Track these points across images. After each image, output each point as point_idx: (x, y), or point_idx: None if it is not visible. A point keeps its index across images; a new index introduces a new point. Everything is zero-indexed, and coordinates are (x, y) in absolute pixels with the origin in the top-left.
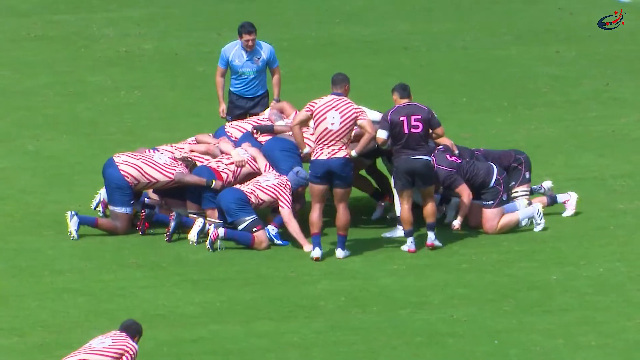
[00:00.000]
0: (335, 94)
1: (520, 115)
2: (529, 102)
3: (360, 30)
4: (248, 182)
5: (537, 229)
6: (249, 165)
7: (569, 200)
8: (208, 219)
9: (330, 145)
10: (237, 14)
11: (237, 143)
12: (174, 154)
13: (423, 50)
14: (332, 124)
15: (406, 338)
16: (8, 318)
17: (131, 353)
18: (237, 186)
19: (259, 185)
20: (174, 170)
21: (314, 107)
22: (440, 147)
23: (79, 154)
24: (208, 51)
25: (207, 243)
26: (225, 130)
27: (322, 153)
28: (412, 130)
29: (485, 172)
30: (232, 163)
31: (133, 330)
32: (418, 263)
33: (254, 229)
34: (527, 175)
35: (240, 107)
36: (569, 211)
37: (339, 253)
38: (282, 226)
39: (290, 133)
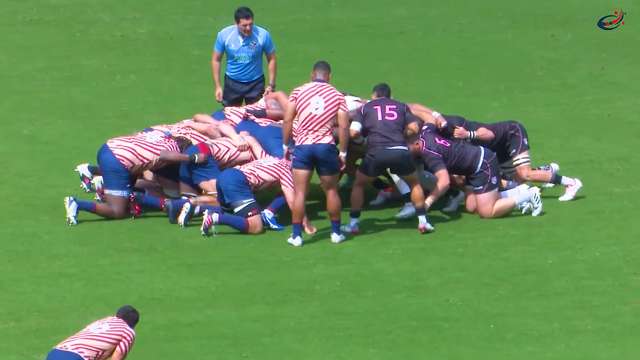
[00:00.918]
0: (317, 80)
1: (516, 99)
2: (525, 85)
3: (357, 14)
4: (248, 164)
5: (535, 213)
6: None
7: (572, 185)
8: (197, 199)
9: (315, 131)
10: None
11: (235, 129)
12: (170, 129)
13: (419, 34)
14: (316, 108)
15: (402, 322)
16: (4, 302)
17: (129, 339)
18: (237, 167)
19: (260, 165)
20: (163, 147)
21: (297, 93)
22: (426, 126)
23: (75, 138)
24: (203, 35)
25: (202, 229)
26: (226, 114)
27: (307, 138)
28: (387, 117)
29: (473, 155)
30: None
31: (132, 318)
32: (413, 247)
33: (249, 213)
34: (526, 142)
35: (236, 92)
36: (568, 196)
37: (335, 237)
38: (278, 211)
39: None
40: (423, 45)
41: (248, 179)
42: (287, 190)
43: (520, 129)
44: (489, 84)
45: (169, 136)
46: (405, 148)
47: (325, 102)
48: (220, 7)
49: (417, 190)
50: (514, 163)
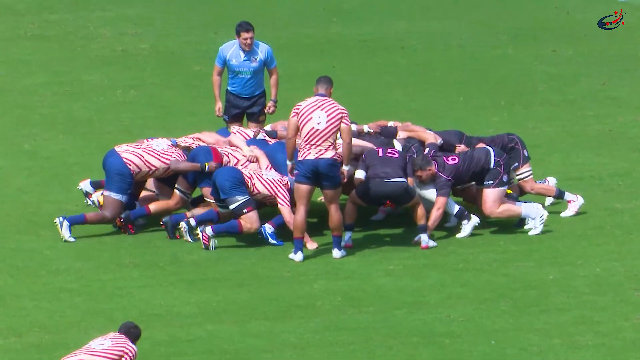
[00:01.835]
0: (319, 94)
1: (517, 114)
2: (526, 100)
3: (357, 29)
4: (250, 169)
5: (532, 232)
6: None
7: (575, 201)
8: (192, 212)
9: (318, 145)
10: (233, 13)
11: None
12: (175, 141)
13: (420, 49)
14: (318, 123)
15: (402, 338)
16: (5, 318)
17: (130, 355)
18: (238, 167)
19: (259, 175)
20: (170, 157)
21: (299, 109)
22: (429, 147)
23: (75, 153)
24: (205, 50)
25: (202, 246)
26: (232, 133)
27: (309, 153)
28: (388, 154)
29: (484, 157)
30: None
31: (134, 334)
32: (414, 263)
33: (245, 210)
34: (526, 153)
35: (237, 107)
36: (570, 212)
37: (336, 253)
38: (279, 227)
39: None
40: (424, 60)
41: (245, 181)
42: (284, 209)
43: (519, 141)
44: (490, 99)
45: (175, 145)
46: (404, 180)
47: (327, 116)
48: (221, 23)
49: (420, 210)
50: (517, 177)
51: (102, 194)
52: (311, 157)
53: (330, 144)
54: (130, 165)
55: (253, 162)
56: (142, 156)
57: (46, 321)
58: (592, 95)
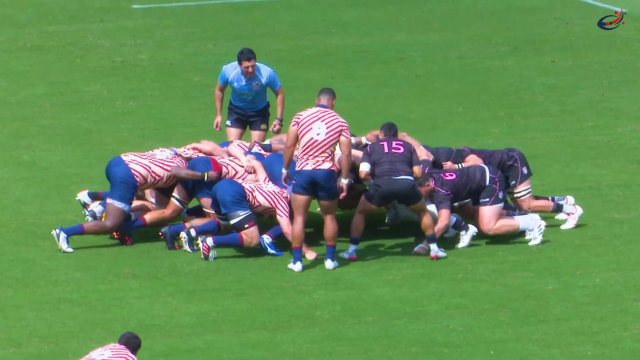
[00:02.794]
0: (320, 106)
1: (517, 125)
2: (525, 111)
3: (357, 40)
4: (249, 182)
5: (533, 243)
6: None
7: (574, 214)
8: (192, 222)
9: (316, 156)
10: (233, 24)
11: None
12: (175, 150)
13: (419, 60)
14: (317, 134)
15: (402, 348)
16: (4, 329)
17: None
18: (238, 181)
19: (259, 188)
20: (172, 164)
21: (299, 119)
22: (422, 164)
23: (74, 164)
24: (204, 61)
25: (202, 256)
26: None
27: (307, 164)
28: (394, 150)
29: (479, 175)
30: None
31: (133, 344)
32: (413, 273)
33: (246, 225)
34: (525, 171)
35: (242, 116)
36: (570, 224)
37: (329, 264)
38: (277, 237)
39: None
40: (423, 71)
41: (247, 194)
42: (282, 220)
43: (519, 158)
44: (489, 110)
45: (176, 154)
46: (411, 178)
47: (327, 127)
48: (220, 34)
49: (427, 219)
50: (515, 195)
51: (99, 204)
52: (308, 167)
53: (328, 155)
54: (137, 176)
55: (250, 172)
56: (149, 167)
57: (45, 331)
58: (591, 106)
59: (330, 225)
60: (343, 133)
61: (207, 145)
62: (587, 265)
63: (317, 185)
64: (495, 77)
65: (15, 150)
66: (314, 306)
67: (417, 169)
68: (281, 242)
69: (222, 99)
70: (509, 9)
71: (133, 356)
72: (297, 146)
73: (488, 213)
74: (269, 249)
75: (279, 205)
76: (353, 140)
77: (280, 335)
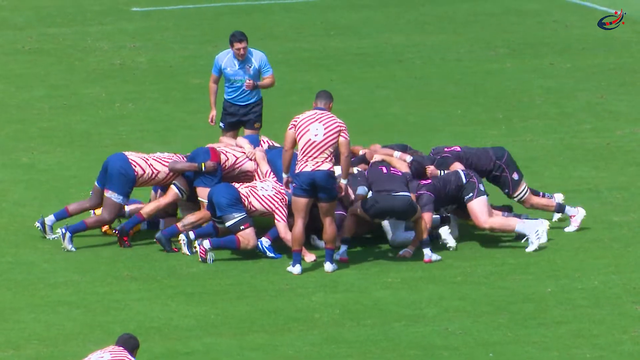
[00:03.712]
0: (318, 108)
1: (515, 127)
2: (524, 114)
3: (355, 42)
4: (246, 185)
5: (529, 249)
6: (255, 162)
7: (576, 216)
8: (185, 221)
9: (315, 158)
10: (232, 26)
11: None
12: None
13: (417, 63)
14: (315, 135)
15: (400, 351)
16: (3, 331)
17: None
18: (234, 184)
19: (255, 193)
20: (172, 159)
21: (296, 121)
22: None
23: (73, 167)
24: (203, 64)
25: (200, 259)
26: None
27: (306, 165)
28: (392, 171)
29: (454, 176)
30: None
31: (131, 345)
32: (412, 276)
33: (241, 227)
34: (516, 177)
35: (234, 115)
36: (572, 227)
37: (327, 267)
38: (275, 239)
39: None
40: (422, 73)
41: (242, 199)
42: (280, 225)
43: (506, 167)
44: (488, 113)
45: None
46: (409, 194)
47: (325, 129)
48: (219, 36)
49: (423, 224)
50: (515, 199)
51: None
52: (308, 169)
53: (327, 156)
54: (135, 167)
55: (252, 159)
56: (147, 159)
57: (44, 334)
58: (590, 108)
59: (329, 229)
60: (342, 133)
61: (244, 143)
62: (586, 268)
63: (316, 187)
64: (493, 80)
65: (14, 153)
66: (313, 309)
67: (413, 197)
68: (280, 245)
69: (217, 92)
70: (507, 11)
71: (132, 358)
72: (297, 148)
73: (476, 207)
74: (268, 252)
75: (276, 210)
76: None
77: (279, 337)
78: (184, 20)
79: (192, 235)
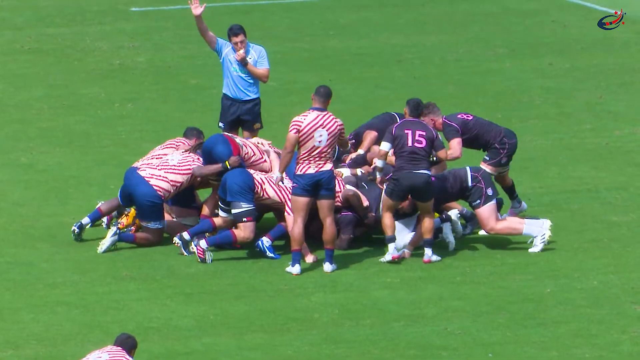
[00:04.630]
0: (317, 109)
1: (514, 127)
2: (523, 114)
3: (354, 42)
4: (261, 173)
5: (532, 249)
6: (269, 162)
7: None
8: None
9: (317, 161)
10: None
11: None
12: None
13: (416, 62)
14: (319, 141)
15: (400, 351)
16: (2, 331)
17: None
18: (251, 171)
19: (271, 181)
20: (189, 165)
21: (300, 126)
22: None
23: (72, 167)
24: (201, 64)
25: (198, 260)
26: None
27: (309, 167)
28: (416, 144)
29: (463, 174)
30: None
31: (129, 344)
32: (412, 276)
33: (244, 219)
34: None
35: (233, 113)
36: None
37: (327, 267)
38: (275, 239)
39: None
40: (421, 73)
41: (255, 187)
42: (290, 218)
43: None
44: (487, 113)
45: (187, 150)
46: (429, 173)
47: (329, 134)
48: (218, 36)
49: (428, 222)
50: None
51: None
52: (311, 171)
53: (329, 157)
54: (160, 192)
55: (266, 153)
56: (167, 178)
57: (43, 334)
58: (589, 108)
59: (329, 229)
60: (341, 134)
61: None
62: (585, 268)
63: (319, 186)
64: (492, 80)
65: (13, 153)
66: (312, 309)
67: (442, 153)
68: (279, 244)
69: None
70: (506, 11)
71: (130, 358)
72: (298, 150)
73: (484, 213)
74: (267, 252)
75: (288, 202)
76: (349, 172)
77: (278, 337)
78: (182, 20)
79: (187, 236)
